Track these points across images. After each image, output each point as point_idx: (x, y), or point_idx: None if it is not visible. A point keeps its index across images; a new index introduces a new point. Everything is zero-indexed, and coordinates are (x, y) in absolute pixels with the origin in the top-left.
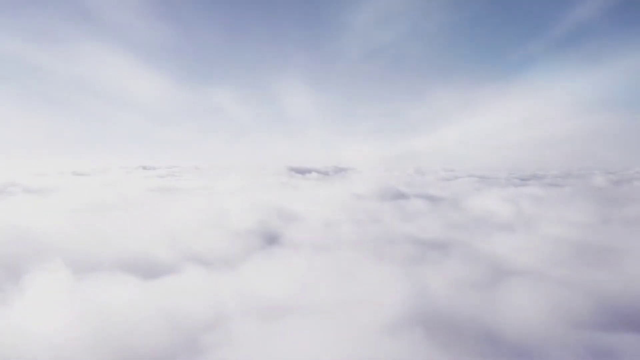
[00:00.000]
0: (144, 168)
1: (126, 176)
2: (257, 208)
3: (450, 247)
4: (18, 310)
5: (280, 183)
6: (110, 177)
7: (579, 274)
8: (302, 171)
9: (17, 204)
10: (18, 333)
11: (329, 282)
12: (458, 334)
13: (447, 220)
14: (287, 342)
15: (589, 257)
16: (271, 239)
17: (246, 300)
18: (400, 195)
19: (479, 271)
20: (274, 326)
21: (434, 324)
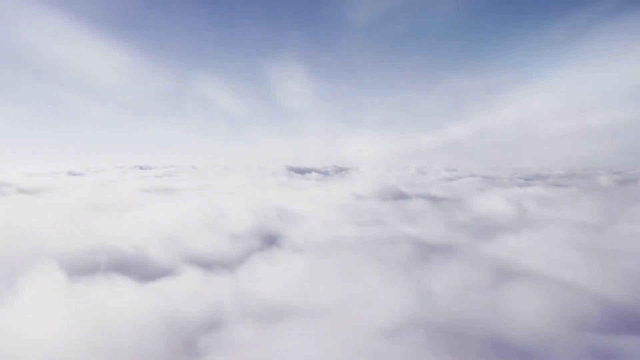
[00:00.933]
0: (140, 168)
1: (122, 176)
2: (255, 209)
3: (453, 249)
4: (12, 313)
5: (280, 183)
6: (106, 177)
7: (583, 276)
8: (301, 171)
9: (11, 204)
10: (12, 335)
11: (329, 284)
12: (461, 337)
13: (449, 221)
14: (286, 345)
15: (594, 259)
16: (270, 241)
17: (244, 302)
18: (401, 196)
19: (482, 273)
20: (273, 329)
21: (436, 326)
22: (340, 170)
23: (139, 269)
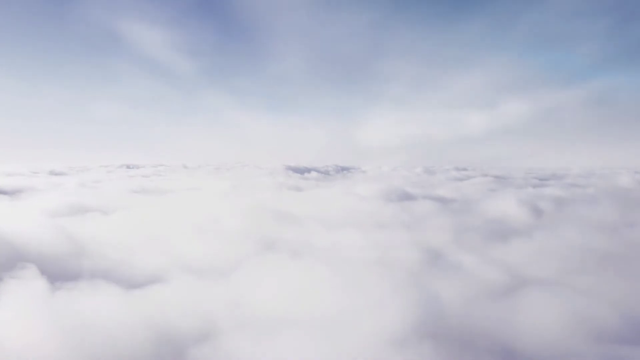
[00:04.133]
0: (127, 167)
1: (107, 176)
2: (251, 211)
3: (462, 253)
4: None
5: (277, 183)
6: (90, 176)
7: (601, 282)
8: (300, 170)
9: None
10: None
11: (330, 291)
12: (470, 347)
13: (458, 224)
14: (284, 356)
15: (613, 264)
16: (267, 245)
17: (239, 311)
18: (407, 197)
19: (493, 279)
20: (270, 340)
21: (444, 336)
22: (341, 170)
23: (126, 275)
